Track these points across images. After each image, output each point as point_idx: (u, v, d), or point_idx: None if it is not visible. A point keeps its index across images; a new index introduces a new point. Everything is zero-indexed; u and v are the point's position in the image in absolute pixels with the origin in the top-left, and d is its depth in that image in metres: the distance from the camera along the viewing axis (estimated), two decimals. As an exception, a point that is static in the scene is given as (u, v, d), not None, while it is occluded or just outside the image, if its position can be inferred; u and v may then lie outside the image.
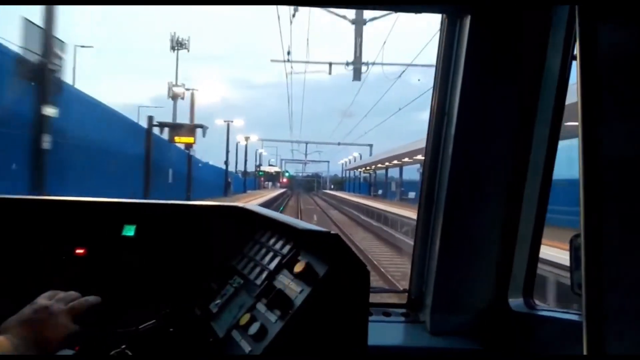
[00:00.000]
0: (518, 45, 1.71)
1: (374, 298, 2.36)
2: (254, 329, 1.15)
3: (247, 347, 1.14)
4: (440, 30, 1.88)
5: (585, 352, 1.11)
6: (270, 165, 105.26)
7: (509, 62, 1.73)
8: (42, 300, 1.19)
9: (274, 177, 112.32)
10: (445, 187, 1.84)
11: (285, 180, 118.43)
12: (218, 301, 1.41)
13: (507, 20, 1.70)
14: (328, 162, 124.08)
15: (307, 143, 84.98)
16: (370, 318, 2.03)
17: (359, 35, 28.57)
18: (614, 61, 1.13)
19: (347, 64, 26.78)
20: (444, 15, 1.83)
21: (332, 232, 1.24)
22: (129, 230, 1.67)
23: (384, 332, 1.98)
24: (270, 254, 1.40)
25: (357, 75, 27.15)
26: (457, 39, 1.80)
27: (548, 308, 1.81)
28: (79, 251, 1.64)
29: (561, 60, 1.66)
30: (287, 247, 1.36)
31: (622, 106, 1.13)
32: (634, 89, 1.12)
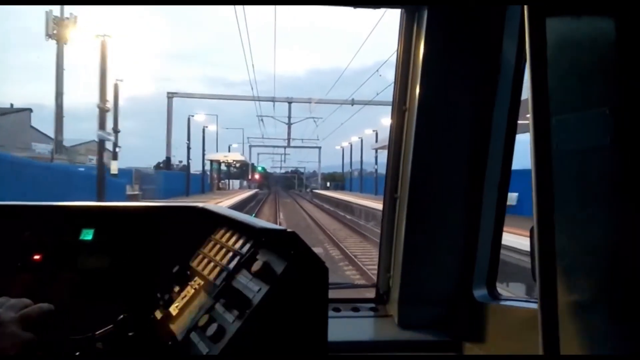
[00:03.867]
0: (474, 38, 1.73)
1: (344, 294, 2.38)
2: (211, 330, 1.13)
3: (204, 349, 1.12)
4: (399, 24, 1.89)
5: (540, 340, 1.13)
6: (230, 153, 65.63)
7: (465, 55, 1.75)
8: None
9: (239, 173, 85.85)
10: (408, 182, 1.85)
11: (257, 176, 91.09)
12: (177, 303, 1.39)
13: (462, 14, 1.71)
14: (319, 148, 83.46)
15: (290, 102, 49.83)
16: (339, 314, 2.04)
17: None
18: (562, 56, 1.15)
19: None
20: (403, 9, 1.84)
21: (288, 230, 1.23)
22: (87, 234, 1.63)
23: (353, 327, 1.99)
24: (230, 254, 1.38)
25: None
26: (415, 32, 1.81)
27: (511, 297, 1.84)
28: (36, 257, 1.59)
29: (516, 52, 1.69)
30: (247, 247, 1.35)
31: (570, 100, 1.15)
32: (581, 84, 1.14)
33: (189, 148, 40.86)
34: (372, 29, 22.87)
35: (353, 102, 46.07)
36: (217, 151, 61.17)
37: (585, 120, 1.13)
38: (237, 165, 74.83)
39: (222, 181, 67.38)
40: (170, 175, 42.40)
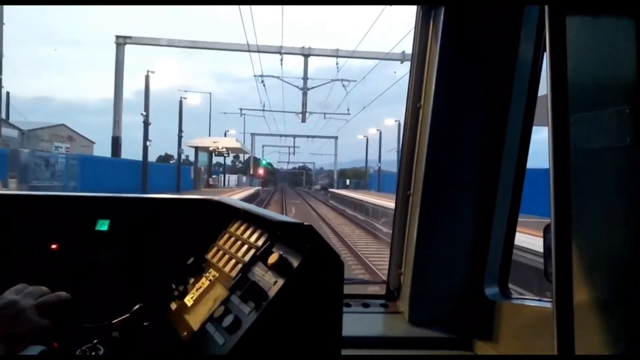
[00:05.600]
0: (491, 36, 1.72)
1: (354, 289, 2.38)
2: (227, 321, 1.14)
3: (220, 340, 1.13)
4: (415, 21, 1.88)
5: (555, 340, 1.13)
6: (221, 138, 48.63)
7: (481, 54, 1.74)
8: (10, 295, 1.17)
9: (242, 167, 72.38)
10: (421, 179, 1.85)
11: (260, 171, 74.20)
12: (192, 294, 1.40)
13: (479, 11, 1.71)
14: (336, 138, 70.54)
15: (306, 55, 31.35)
16: (350, 309, 2.05)
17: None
18: (581, 55, 1.15)
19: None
20: (419, 6, 1.84)
21: (305, 223, 1.24)
22: (103, 225, 1.65)
23: (363, 323, 1.99)
24: (245, 247, 1.39)
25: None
26: (431, 30, 1.81)
27: (522, 296, 1.84)
28: (52, 246, 1.61)
29: (534, 50, 1.68)
30: (262, 240, 1.36)
31: (589, 99, 1.15)
32: (600, 82, 1.14)
33: (180, 138, 32.60)
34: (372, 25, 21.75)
35: (403, 58, 29.22)
36: (209, 136, 47.03)
37: (604, 119, 1.13)
38: (232, 154, 56.73)
39: (214, 176, 51.00)
40: (126, 165, 29.13)
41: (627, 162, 1.08)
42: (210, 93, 48.94)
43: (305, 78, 35.27)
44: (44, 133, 39.25)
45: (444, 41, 1.74)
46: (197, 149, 42.30)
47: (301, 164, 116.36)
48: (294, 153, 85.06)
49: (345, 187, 71.81)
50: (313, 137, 72.35)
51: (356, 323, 1.95)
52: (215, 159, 54.69)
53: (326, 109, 49.64)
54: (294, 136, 74.64)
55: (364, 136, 62.80)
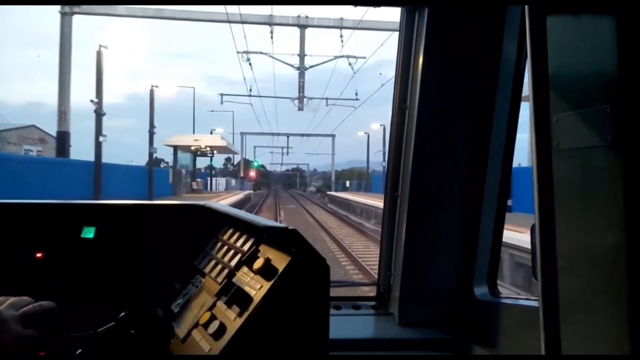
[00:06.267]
0: (475, 37, 1.73)
1: (345, 292, 2.38)
2: (213, 327, 1.14)
3: (206, 346, 1.13)
4: (400, 23, 1.89)
5: (542, 338, 1.14)
6: (204, 135, 41.84)
7: (466, 54, 1.75)
8: None
9: (230, 170, 62.35)
10: (408, 180, 1.86)
11: (252, 173, 67.18)
12: (179, 301, 1.39)
13: (463, 13, 1.71)
14: (333, 136, 63.12)
15: (303, 26, 25.57)
16: (340, 312, 2.04)
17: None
18: (562, 55, 1.15)
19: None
20: (402, 8, 1.84)
21: (290, 227, 1.24)
22: (89, 232, 1.64)
23: (354, 325, 1.99)
24: (232, 252, 1.38)
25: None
26: (415, 32, 1.81)
27: (511, 295, 1.85)
28: (37, 255, 1.60)
29: (517, 51, 1.69)
30: (248, 244, 1.35)
31: (570, 98, 1.15)
32: (581, 82, 1.15)
33: (151, 135, 26.47)
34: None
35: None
36: (193, 133, 40.53)
37: (586, 119, 1.13)
38: (223, 156, 44.77)
39: (198, 180, 43.27)
40: (72, 166, 23.10)
41: (608, 161, 1.08)
42: (193, 87, 42.69)
43: (302, 55, 28.79)
44: (11, 135, 35.45)
45: (428, 43, 1.74)
46: (176, 148, 36.10)
47: (295, 166, 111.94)
48: (287, 153, 76.51)
49: (345, 189, 64.28)
50: (308, 135, 64.01)
51: (347, 325, 1.95)
52: (205, 162, 49.60)
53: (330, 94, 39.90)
54: (288, 135, 67.07)
55: (365, 133, 56.40)
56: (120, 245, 1.63)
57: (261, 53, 30.11)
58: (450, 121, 1.81)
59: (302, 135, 61.06)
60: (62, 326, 1.25)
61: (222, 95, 40.62)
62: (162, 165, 41.21)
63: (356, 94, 38.08)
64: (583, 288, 1.15)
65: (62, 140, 23.76)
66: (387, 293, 2.08)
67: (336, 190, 60.97)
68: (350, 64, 28.99)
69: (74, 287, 1.54)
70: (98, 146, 21.53)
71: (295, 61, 29.20)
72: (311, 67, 29.89)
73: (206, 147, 39.03)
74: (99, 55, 21.52)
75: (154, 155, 28.21)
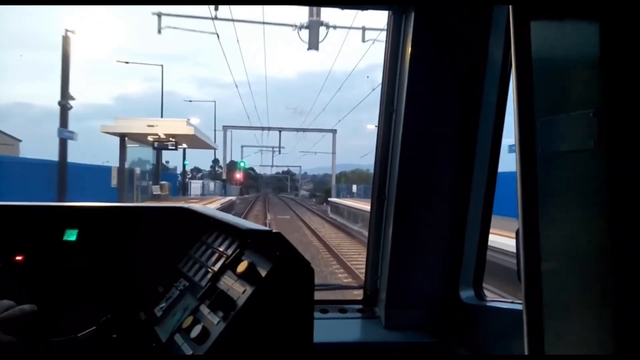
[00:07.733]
0: (461, 40, 1.73)
1: (332, 295, 2.37)
2: (195, 331, 1.13)
3: (188, 351, 1.12)
4: (387, 26, 1.89)
5: (525, 340, 1.14)
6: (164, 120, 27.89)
7: (453, 57, 1.75)
8: None
9: (218, 173, 54.15)
10: (395, 184, 1.86)
11: (238, 175, 60.65)
12: (163, 305, 1.38)
13: (450, 15, 1.72)
14: (334, 131, 49.83)
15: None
16: (327, 315, 2.03)
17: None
18: (546, 59, 1.16)
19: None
20: (390, 12, 1.84)
21: (274, 230, 1.23)
22: (71, 235, 1.61)
23: (340, 329, 1.98)
24: (215, 255, 1.37)
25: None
26: (402, 34, 1.82)
27: (497, 299, 1.85)
28: (17, 258, 1.57)
29: (503, 54, 1.70)
30: (232, 248, 1.34)
31: (554, 102, 1.16)
32: (565, 86, 1.15)
33: (63, 107, 17.88)
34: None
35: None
36: (161, 117, 30.34)
37: (570, 123, 1.14)
38: (168, 143, 27.44)
39: (163, 182, 30.87)
40: None
41: (591, 165, 1.09)
42: (162, 65, 33.99)
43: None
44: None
45: (415, 45, 1.74)
46: (123, 137, 25.52)
47: (285, 169, 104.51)
48: (279, 152, 63.24)
49: (351, 194, 50.14)
50: (304, 130, 52.87)
51: (333, 329, 1.94)
52: (196, 162, 39.86)
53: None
54: (280, 129, 53.68)
55: (375, 126, 43.36)
56: (103, 248, 1.61)
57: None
58: (437, 124, 1.81)
59: (298, 130, 51.57)
60: (43, 330, 1.23)
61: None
62: (147, 167, 32.32)
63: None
64: (566, 290, 1.16)
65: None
66: (374, 296, 2.07)
67: (339, 196, 47.74)
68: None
69: (56, 291, 1.51)
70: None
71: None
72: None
73: (166, 136, 27.20)
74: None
75: (60, 141, 18.65)
